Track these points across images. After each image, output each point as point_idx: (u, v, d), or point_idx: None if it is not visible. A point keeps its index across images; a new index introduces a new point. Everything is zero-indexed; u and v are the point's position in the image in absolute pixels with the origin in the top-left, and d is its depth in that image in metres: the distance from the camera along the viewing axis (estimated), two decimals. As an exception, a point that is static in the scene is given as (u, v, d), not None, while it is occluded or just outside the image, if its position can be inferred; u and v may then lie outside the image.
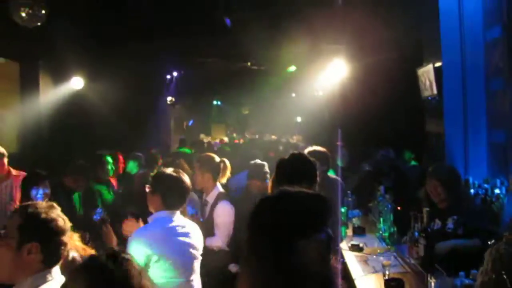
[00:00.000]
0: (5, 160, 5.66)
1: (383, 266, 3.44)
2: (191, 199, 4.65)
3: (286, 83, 15.25)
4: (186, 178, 3.39)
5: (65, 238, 2.20)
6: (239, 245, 4.36)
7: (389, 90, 7.76)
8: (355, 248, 4.33)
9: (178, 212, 3.38)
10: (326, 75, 10.53)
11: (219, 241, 4.56)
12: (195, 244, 3.39)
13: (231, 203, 4.69)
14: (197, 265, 3.41)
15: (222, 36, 8.70)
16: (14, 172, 5.70)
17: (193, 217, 4.43)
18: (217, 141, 18.08)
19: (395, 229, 4.56)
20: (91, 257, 1.74)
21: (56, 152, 7.62)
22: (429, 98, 6.67)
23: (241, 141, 17.47)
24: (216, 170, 4.89)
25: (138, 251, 3.07)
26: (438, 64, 6.26)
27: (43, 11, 5.81)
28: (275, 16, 8.25)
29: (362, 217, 5.59)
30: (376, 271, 3.68)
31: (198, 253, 3.41)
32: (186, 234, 3.34)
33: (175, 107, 17.61)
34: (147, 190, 3.37)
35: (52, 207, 2.23)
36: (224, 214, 4.61)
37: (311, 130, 15.79)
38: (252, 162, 5.47)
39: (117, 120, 10.29)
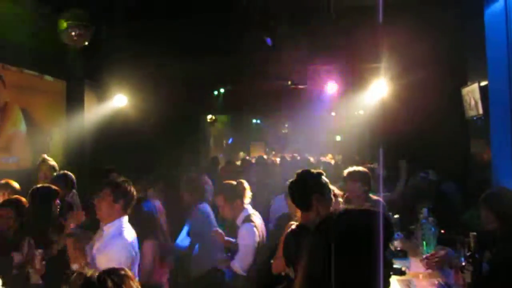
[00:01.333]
0: (55, 174, 5.87)
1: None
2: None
3: (326, 102, 15.16)
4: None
5: None
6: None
7: (431, 109, 7.59)
8: (397, 271, 4.20)
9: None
10: (366, 94, 10.41)
11: (235, 264, 4.53)
12: None
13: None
14: None
15: (262, 55, 8.73)
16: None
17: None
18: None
19: (440, 253, 4.40)
20: (88, 277, 1.74)
21: (98, 168, 7.76)
22: (474, 118, 6.48)
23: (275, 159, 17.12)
24: (241, 194, 4.91)
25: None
26: (484, 83, 6.08)
27: (90, 32, 5.98)
28: (315, 35, 8.23)
29: (404, 239, 5.43)
30: (419, 296, 3.55)
31: None
32: None
33: (215, 125, 17.76)
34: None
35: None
36: (244, 237, 4.59)
37: (351, 149, 15.61)
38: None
39: (158, 139, 10.44)
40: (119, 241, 3.46)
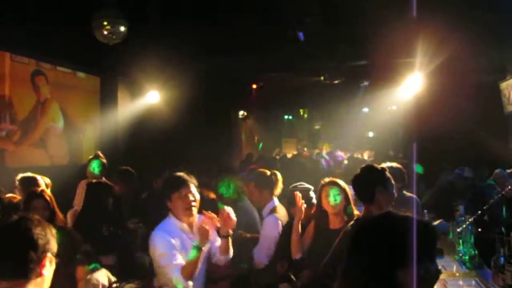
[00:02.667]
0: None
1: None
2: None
3: (359, 98, 15.01)
4: None
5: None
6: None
7: (468, 104, 7.42)
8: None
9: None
10: (400, 90, 10.25)
11: (256, 253, 4.52)
12: None
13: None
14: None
15: (294, 50, 8.68)
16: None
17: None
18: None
19: (476, 252, 4.29)
20: None
21: (131, 164, 7.87)
22: (514, 113, 6.32)
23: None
24: (271, 185, 4.90)
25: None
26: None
27: (123, 29, 6.04)
28: (348, 30, 8.13)
29: (440, 237, 5.31)
30: (456, 296, 3.46)
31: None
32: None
33: (247, 122, 17.77)
34: None
35: None
36: (266, 228, 4.57)
37: (383, 145, 15.43)
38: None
39: (190, 134, 10.51)
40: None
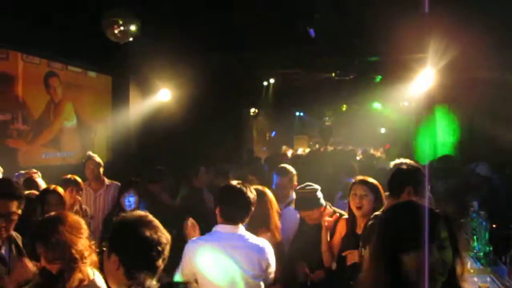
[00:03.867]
0: (101, 170, 5.98)
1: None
2: None
3: (370, 94, 14.93)
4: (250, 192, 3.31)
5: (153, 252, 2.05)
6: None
7: (483, 100, 7.33)
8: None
9: (240, 226, 3.27)
10: (412, 85, 10.17)
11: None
12: (245, 267, 3.16)
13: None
14: None
15: (305, 47, 8.64)
16: (107, 181, 6.03)
17: None
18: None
19: (491, 248, 4.25)
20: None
21: (143, 162, 7.89)
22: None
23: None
24: (292, 180, 4.99)
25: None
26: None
27: (134, 28, 6.05)
28: (359, 25, 8.08)
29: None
30: (471, 294, 3.42)
31: (247, 276, 3.16)
32: (238, 252, 3.17)
33: (258, 119, 17.75)
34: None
35: (141, 219, 2.13)
36: (286, 220, 4.51)
37: (395, 141, 15.31)
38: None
39: (201, 131, 10.53)
40: None
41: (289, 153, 14.28)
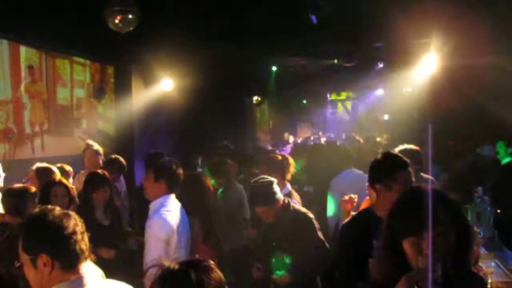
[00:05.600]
0: (101, 158, 5.98)
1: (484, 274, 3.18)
2: None
3: (373, 80, 14.87)
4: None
5: (73, 235, 2.05)
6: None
7: (487, 86, 7.29)
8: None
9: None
10: (415, 71, 10.12)
11: None
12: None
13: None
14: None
15: (308, 34, 8.59)
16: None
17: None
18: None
19: (496, 233, 4.25)
20: (170, 267, 1.61)
21: (145, 151, 7.91)
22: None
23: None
24: (282, 169, 4.88)
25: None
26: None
27: (135, 17, 6.02)
28: (362, 11, 8.02)
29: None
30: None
31: None
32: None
33: (261, 107, 17.73)
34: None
35: (47, 212, 2.09)
36: None
37: (399, 128, 15.26)
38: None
39: (204, 120, 10.53)
40: (156, 217, 3.57)
41: (291, 139, 14.22)
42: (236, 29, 8.21)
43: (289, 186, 4.89)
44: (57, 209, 2.11)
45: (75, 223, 2.08)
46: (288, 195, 4.68)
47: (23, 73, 6.76)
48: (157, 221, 3.54)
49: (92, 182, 4.42)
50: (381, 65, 11.44)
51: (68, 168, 5.34)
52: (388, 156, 3.00)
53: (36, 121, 7.04)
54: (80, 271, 2.06)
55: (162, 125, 9.49)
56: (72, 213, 2.14)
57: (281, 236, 3.73)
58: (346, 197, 4.17)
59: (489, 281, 3.13)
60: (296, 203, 4.49)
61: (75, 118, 7.96)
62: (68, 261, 2.02)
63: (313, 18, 7.92)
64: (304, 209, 4.04)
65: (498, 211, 4.52)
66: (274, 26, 8.10)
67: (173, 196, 3.77)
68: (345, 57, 9.84)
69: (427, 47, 8.84)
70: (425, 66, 9.25)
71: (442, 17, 7.46)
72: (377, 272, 1.97)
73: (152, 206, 3.69)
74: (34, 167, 5.10)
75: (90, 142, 6.19)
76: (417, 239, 1.75)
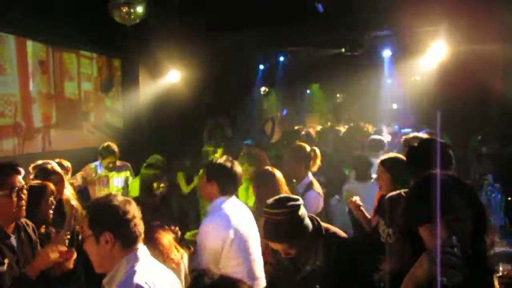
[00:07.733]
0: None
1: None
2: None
3: (381, 69, 14.78)
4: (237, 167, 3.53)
5: (134, 219, 2.31)
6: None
7: (496, 74, 7.21)
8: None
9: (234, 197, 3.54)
10: (424, 59, 10.04)
11: None
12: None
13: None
14: None
15: (314, 22, 8.53)
16: (118, 162, 6.33)
17: None
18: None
19: (507, 221, 4.22)
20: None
21: (153, 143, 7.93)
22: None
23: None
24: (307, 159, 4.82)
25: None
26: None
27: (141, 10, 6.00)
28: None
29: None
30: (486, 267, 3.39)
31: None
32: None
33: (269, 97, 17.69)
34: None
35: (112, 197, 2.35)
36: (312, 205, 4.45)
37: (408, 117, 15.20)
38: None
39: (211, 111, 10.52)
40: (203, 224, 3.38)
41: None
42: (242, 19, 8.17)
43: (310, 175, 4.80)
44: (120, 196, 2.37)
45: (135, 208, 2.33)
46: (309, 185, 4.66)
47: (31, 68, 6.77)
48: (203, 229, 3.33)
49: None
50: (387, 53, 11.37)
51: (66, 163, 5.29)
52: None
53: (45, 115, 7.06)
54: (136, 249, 2.31)
55: (170, 117, 9.48)
56: (132, 200, 2.37)
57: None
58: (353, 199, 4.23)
59: (501, 268, 3.11)
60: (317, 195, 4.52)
61: (83, 111, 7.96)
62: (127, 240, 2.28)
63: (319, 6, 7.87)
64: (341, 232, 3.03)
65: (510, 198, 4.48)
66: (280, 15, 8.05)
67: (231, 198, 3.50)
68: (353, 45, 9.75)
69: (435, 35, 8.76)
70: (433, 54, 9.16)
71: (452, 3, 7.38)
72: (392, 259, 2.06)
73: (208, 209, 3.51)
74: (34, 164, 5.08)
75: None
76: (434, 226, 1.75)
